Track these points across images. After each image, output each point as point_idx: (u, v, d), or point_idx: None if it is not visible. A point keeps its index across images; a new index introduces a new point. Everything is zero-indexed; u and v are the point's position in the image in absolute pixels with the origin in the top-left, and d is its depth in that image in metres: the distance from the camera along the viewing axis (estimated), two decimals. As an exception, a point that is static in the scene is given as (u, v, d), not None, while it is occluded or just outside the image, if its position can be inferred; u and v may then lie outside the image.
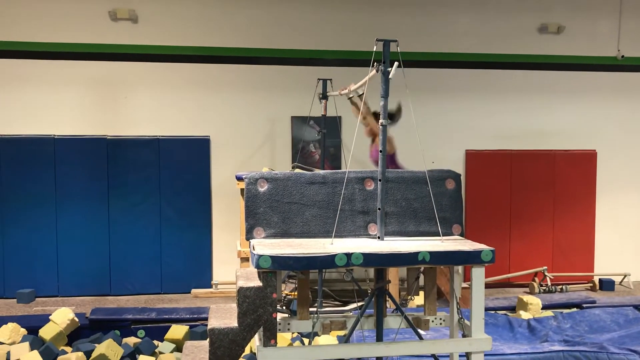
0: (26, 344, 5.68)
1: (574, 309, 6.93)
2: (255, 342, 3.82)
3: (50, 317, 6.11)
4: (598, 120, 8.64)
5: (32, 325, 6.16)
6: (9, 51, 7.62)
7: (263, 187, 3.87)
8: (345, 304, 7.06)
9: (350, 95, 5.83)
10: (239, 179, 6.63)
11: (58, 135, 7.73)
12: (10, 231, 7.63)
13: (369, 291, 4.20)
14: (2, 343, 5.80)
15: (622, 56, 8.47)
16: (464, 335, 3.75)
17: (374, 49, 3.97)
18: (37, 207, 7.65)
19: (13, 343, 5.83)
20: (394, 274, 6.57)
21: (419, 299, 6.76)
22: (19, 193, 7.62)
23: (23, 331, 6.04)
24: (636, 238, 8.78)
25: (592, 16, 8.52)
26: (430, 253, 3.46)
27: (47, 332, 5.96)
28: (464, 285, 4.29)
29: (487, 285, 7.91)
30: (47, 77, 7.76)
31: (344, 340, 4.05)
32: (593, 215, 8.62)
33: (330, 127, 7.67)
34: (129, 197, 7.85)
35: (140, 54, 7.86)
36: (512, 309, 7.00)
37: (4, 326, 5.94)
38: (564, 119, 8.57)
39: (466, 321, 3.75)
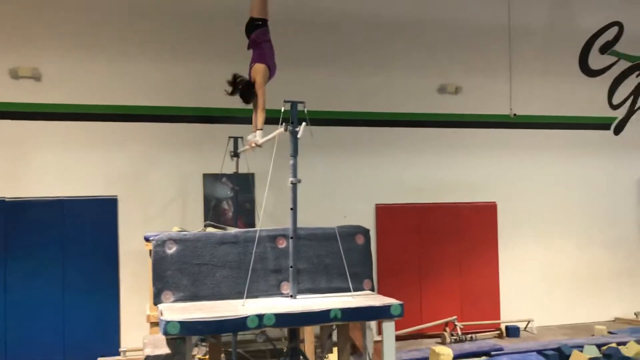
0: None
1: (484, 358, 7.13)
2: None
3: None
4: (496, 174, 9.17)
5: None
6: None
7: (171, 249, 3.80)
8: (261, 364, 6.90)
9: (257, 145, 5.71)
10: (147, 239, 6.42)
11: (-51, 198, 7.23)
12: None
13: (284, 350, 4.16)
14: None
15: (514, 114, 9.13)
16: (377, 390, 3.77)
17: (282, 109, 4.08)
18: None
19: None
20: (309, 331, 6.52)
21: (333, 356, 6.74)
22: None
23: None
24: (537, 284, 9.25)
25: (486, 78, 9.17)
26: (342, 310, 3.50)
27: None
28: (377, 338, 4.34)
29: (400, 337, 8.01)
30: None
31: (258, 403, 3.96)
32: (496, 264, 9.02)
33: (243, 183, 7.68)
34: (29, 262, 7.39)
35: (44, 112, 7.59)
36: (426, 360, 7.11)
37: None
38: (466, 172, 9.04)
39: (379, 376, 3.78)
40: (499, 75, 9.20)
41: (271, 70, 5.76)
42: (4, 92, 7.48)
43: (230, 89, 5.78)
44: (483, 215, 9.00)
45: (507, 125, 9.21)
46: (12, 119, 7.49)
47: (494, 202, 9.10)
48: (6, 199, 7.40)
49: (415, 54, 8.90)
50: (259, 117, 5.48)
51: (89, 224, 7.65)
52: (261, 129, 5.32)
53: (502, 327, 8.68)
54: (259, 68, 5.58)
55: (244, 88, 5.71)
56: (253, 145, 5.46)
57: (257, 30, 5.83)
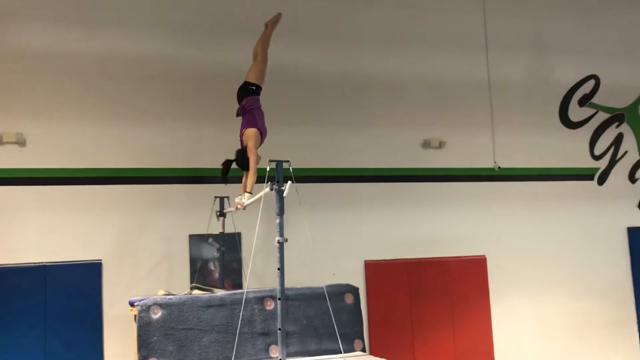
0: None
1: (481, 416, 6.93)
2: None
3: None
4: (484, 227, 9.16)
5: None
6: None
7: (157, 314, 3.70)
8: None
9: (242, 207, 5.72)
10: (132, 304, 6.28)
11: None
12: None
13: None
14: None
15: (499, 167, 9.22)
16: None
17: (267, 168, 4.09)
18: None
19: None
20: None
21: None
22: None
23: None
24: (531, 337, 9.10)
25: (469, 132, 9.29)
26: (333, 373, 3.40)
27: None
28: (370, 402, 4.19)
29: (396, 399, 7.78)
30: None
31: None
32: (489, 318, 8.89)
33: (230, 244, 7.59)
34: (9, 330, 7.15)
35: (28, 177, 7.53)
36: (422, 422, 6.88)
37: None
38: (453, 226, 9.02)
39: None
40: (482, 129, 9.33)
41: (262, 134, 5.85)
42: (-12, 158, 7.43)
43: (222, 173, 5.87)
44: (473, 269, 8.93)
45: (492, 178, 9.28)
46: (-4, 184, 7.43)
47: (484, 256, 9.06)
48: (-13, 267, 7.24)
49: (399, 111, 9.03)
50: (249, 180, 5.50)
51: (72, 290, 7.46)
52: (250, 192, 5.32)
53: (498, 383, 8.46)
54: (251, 132, 5.67)
55: (239, 158, 5.80)
56: (238, 207, 5.46)
57: (249, 96, 5.94)
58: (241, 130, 5.96)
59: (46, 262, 7.42)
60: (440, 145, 9.09)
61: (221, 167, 6.00)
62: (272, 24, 6.52)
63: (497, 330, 8.91)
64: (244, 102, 6.02)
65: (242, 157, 5.82)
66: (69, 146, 7.70)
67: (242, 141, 5.90)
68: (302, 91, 8.71)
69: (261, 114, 5.98)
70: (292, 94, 8.65)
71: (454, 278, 8.81)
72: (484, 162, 9.25)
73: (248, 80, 6.11)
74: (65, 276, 7.46)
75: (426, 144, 9.06)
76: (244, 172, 5.97)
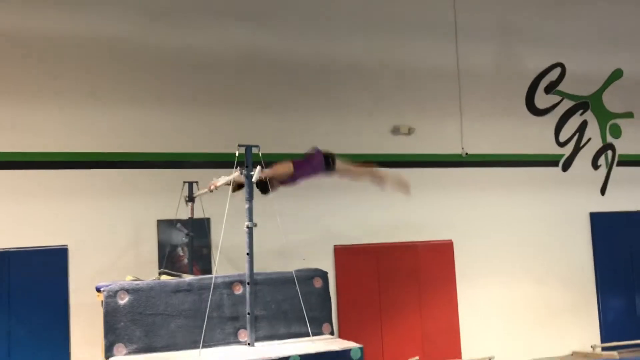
0: None
1: (447, 397, 7.07)
2: None
3: None
4: (451, 212, 9.29)
5: None
6: None
7: (124, 300, 3.67)
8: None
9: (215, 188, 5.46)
10: (99, 290, 6.20)
11: None
12: None
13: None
14: None
15: (466, 153, 9.33)
16: None
17: (237, 153, 4.07)
18: None
19: None
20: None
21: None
22: None
23: None
24: (497, 320, 9.29)
25: (438, 118, 9.38)
26: (301, 356, 3.43)
27: None
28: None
29: (364, 381, 7.87)
30: None
31: None
32: (455, 302, 9.05)
33: (199, 229, 7.54)
34: (-29, 318, 7.02)
35: (-5, 161, 7.35)
36: (389, 404, 7.00)
37: None
38: (421, 211, 9.12)
39: (342, 423, 3.68)
40: (451, 116, 9.43)
41: (293, 179, 5.45)
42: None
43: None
44: (440, 254, 9.07)
45: (460, 164, 9.40)
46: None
47: (450, 240, 9.20)
48: (-52, 253, 7.06)
49: (368, 97, 9.06)
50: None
51: (37, 276, 7.34)
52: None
53: (464, 365, 8.65)
54: (286, 166, 5.26)
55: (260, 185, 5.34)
56: (212, 188, 5.31)
57: (322, 160, 5.64)
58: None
59: (9, 248, 7.27)
60: (410, 131, 9.16)
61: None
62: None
63: (463, 313, 9.08)
64: (315, 154, 5.72)
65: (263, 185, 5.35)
66: (35, 129, 7.52)
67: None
68: (271, 76, 8.66)
69: (310, 173, 5.65)
70: (261, 79, 8.59)
71: (422, 262, 8.93)
72: (452, 148, 9.36)
73: (335, 159, 5.80)
74: (30, 262, 7.32)
75: (395, 130, 9.12)
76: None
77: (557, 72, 10.14)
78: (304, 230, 8.43)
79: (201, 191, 6.55)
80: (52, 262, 7.42)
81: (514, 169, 9.73)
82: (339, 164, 5.74)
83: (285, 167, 5.20)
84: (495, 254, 9.39)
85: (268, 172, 4.91)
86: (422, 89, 9.33)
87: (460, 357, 8.90)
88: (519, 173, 9.76)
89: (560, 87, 10.17)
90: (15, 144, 7.46)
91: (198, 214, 7.20)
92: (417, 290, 8.84)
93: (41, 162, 7.52)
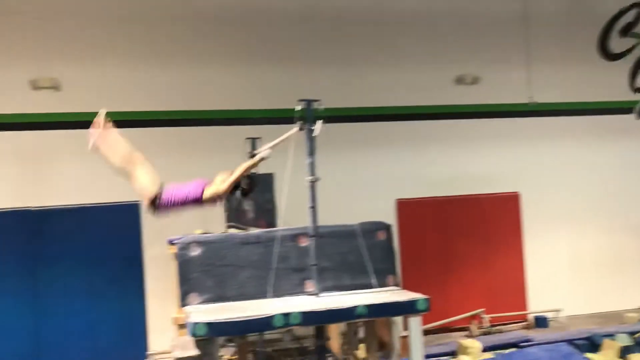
0: None
1: (513, 349, 7.05)
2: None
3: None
4: (518, 164, 9.06)
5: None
6: None
7: (195, 252, 3.83)
8: (289, 363, 6.91)
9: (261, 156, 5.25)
10: (171, 243, 6.48)
11: (-23, 210, 7.36)
12: None
13: (311, 348, 4.16)
14: None
15: (534, 102, 9.00)
16: (406, 386, 3.75)
17: (297, 109, 4.08)
18: (-46, 288, 7.18)
19: None
20: (335, 329, 6.52)
21: (361, 352, 6.73)
22: None
23: None
24: (565, 274, 9.12)
25: (504, 66, 9.06)
26: (367, 306, 3.49)
27: None
28: (404, 333, 4.31)
29: (427, 332, 7.93)
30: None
31: (287, 402, 3.97)
32: (522, 255, 8.92)
33: (263, 184, 7.67)
34: (57, 270, 7.49)
35: (64, 121, 7.68)
36: (453, 354, 7.05)
37: None
38: (486, 164, 8.94)
39: (407, 371, 3.76)
40: (517, 63, 9.08)
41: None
42: (26, 104, 7.59)
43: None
44: (506, 206, 8.90)
45: (527, 113, 9.09)
46: (34, 129, 7.61)
47: (517, 192, 9.00)
48: (32, 209, 7.52)
49: (430, 46, 8.83)
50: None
51: (113, 230, 7.73)
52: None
53: (530, 318, 8.57)
54: (216, 180, 4.84)
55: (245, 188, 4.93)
56: (257, 159, 4.99)
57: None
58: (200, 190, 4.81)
59: (87, 204, 7.66)
60: (474, 81, 8.91)
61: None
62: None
63: (529, 265, 8.96)
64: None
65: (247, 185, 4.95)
66: (103, 89, 7.78)
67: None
68: (330, 29, 8.56)
69: (185, 202, 4.71)
70: (320, 33, 8.51)
71: (487, 215, 8.80)
72: (519, 97, 9.04)
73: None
74: (106, 217, 7.71)
75: (460, 80, 8.88)
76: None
77: (634, 13, 9.51)
78: (365, 185, 8.45)
79: (252, 160, 6.50)
80: (127, 217, 7.78)
81: (584, 117, 9.34)
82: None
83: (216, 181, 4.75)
84: (563, 205, 9.14)
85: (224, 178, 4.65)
86: (487, 36, 9.00)
87: (526, 310, 8.82)
88: (589, 121, 9.36)
89: (638, 30, 9.56)
90: (86, 104, 7.75)
91: (262, 170, 7.32)
92: (482, 243, 8.75)
93: (113, 121, 7.79)
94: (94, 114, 7.75)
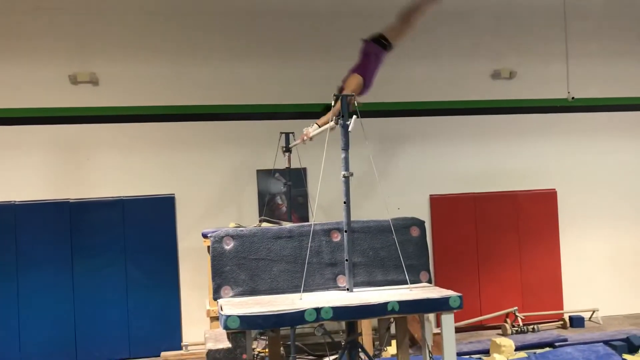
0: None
1: (547, 349, 6.95)
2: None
3: (12, 392, 5.84)
4: (555, 160, 8.89)
5: (-7, 402, 5.88)
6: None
7: (229, 245, 3.86)
8: (320, 358, 6.95)
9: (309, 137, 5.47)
10: (205, 236, 6.56)
11: (19, 202, 7.57)
12: (-31, 303, 7.35)
13: (342, 343, 4.16)
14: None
15: (572, 98, 8.80)
16: (438, 384, 3.72)
17: (333, 104, 4.08)
18: (-3, 277, 7.41)
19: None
20: (366, 324, 6.52)
21: (392, 348, 6.71)
22: (-23, 263, 7.38)
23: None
24: (602, 273, 8.93)
25: (541, 61, 8.89)
26: (399, 302, 3.47)
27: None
28: (436, 330, 4.29)
29: (459, 329, 7.90)
30: (7, 142, 7.66)
31: (319, 396, 3.98)
32: (558, 253, 8.76)
33: (296, 178, 7.72)
34: (94, 260, 7.67)
35: (102, 115, 7.85)
36: (486, 352, 6.99)
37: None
38: (523, 160, 8.80)
39: (440, 369, 3.73)
40: (555, 58, 8.89)
41: (366, 86, 5.41)
42: (65, 98, 7.77)
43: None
44: (542, 203, 8.75)
45: (565, 109, 8.90)
46: (73, 123, 7.79)
47: (554, 189, 8.83)
48: (70, 200, 7.70)
49: (466, 40, 8.71)
50: (326, 116, 5.25)
51: (148, 222, 7.87)
52: (319, 126, 5.18)
53: (566, 317, 8.42)
54: (353, 81, 5.23)
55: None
56: (304, 138, 5.38)
57: (377, 46, 5.50)
58: (350, 71, 5.48)
59: (124, 197, 7.82)
60: (511, 75, 8.76)
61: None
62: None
63: (566, 264, 8.79)
64: (366, 46, 5.54)
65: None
66: (141, 84, 7.92)
67: (344, 80, 5.38)
68: (363, 22, 8.49)
69: (376, 66, 5.53)
70: (354, 26, 8.45)
71: (523, 212, 8.67)
72: (557, 92, 8.85)
73: (385, 35, 5.60)
74: (142, 209, 7.85)
75: (496, 75, 8.75)
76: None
77: (678, 5, 9.23)
78: (399, 180, 8.41)
79: (296, 142, 6.65)
80: (161, 210, 7.91)
81: (625, 113, 9.11)
82: (390, 33, 5.57)
83: (355, 80, 5.18)
84: (601, 203, 8.94)
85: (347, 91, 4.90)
86: (524, 29, 8.84)
87: (562, 309, 8.67)
88: (630, 117, 9.12)
89: (682, 22, 9.27)
90: (123, 98, 7.90)
91: (295, 164, 7.36)
92: (517, 240, 8.62)
93: (149, 115, 7.93)
94: (131, 108, 7.96)
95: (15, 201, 7.57)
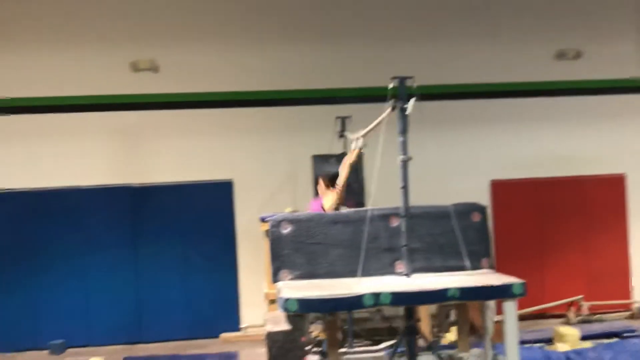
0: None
1: (614, 339, 6.68)
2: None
3: (81, 369, 6.10)
4: (624, 143, 8.49)
5: (64, 377, 6.15)
6: (34, 107, 7.81)
7: (287, 229, 3.87)
8: (377, 343, 6.92)
9: (358, 146, 5.56)
10: (263, 220, 6.61)
11: (84, 186, 7.85)
12: (41, 283, 7.70)
13: (400, 329, 4.12)
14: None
15: (643, 77, 8.37)
16: (500, 372, 3.63)
17: (390, 87, 3.99)
18: (65, 259, 7.72)
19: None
20: (425, 311, 6.43)
21: (451, 335, 6.61)
22: (48, 245, 7.71)
23: (55, 384, 6.03)
24: (673, 261, 8.51)
25: (610, 40, 8.47)
26: (460, 289, 3.39)
27: (78, 384, 5.94)
28: (497, 318, 4.17)
29: (521, 317, 7.63)
30: (74, 129, 7.93)
31: (377, 381, 3.96)
32: (626, 240, 8.40)
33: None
34: (155, 244, 7.89)
35: (162, 102, 8.01)
36: (549, 341, 6.79)
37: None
38: (589, 143, 8.45)
39: (501, 357, 3.64)
40: (624, 36, 8.46)
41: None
42: (126, 85, 7.96)
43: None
44: (610, 188, 8.39)
45: (634, 90, 8.46)
46: (135, 109, 7.98)
47: (623, 174, 8.45)
48: (133, 185, 7.93)
49: (528, 18, 8.39)
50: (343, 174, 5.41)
51: (207, 207, 8.02)
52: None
53: (635, 307, 8.08)
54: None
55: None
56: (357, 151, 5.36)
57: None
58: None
59: (183, 182, 7.98)
60: (577, 55, 8.38)
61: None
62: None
63: (635, 252, 8.42)
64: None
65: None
66: (200, 70, 8.03)
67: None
68: (421, 4, 8.33)
69: None
70: (410, 8, 8.30)
71: (589, 197, 8.34)
72: (627, 72, 8.42)
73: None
74: (201, 194, 8.00)
75: (560, 55, 8.40)
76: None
77: None
78: (458, 165, 8.23)
79: (351, 135, 6.55)
80: (220, 195, 8.04)
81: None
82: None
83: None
84: (675, 188, 8.48)
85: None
86: (591, 7, 8.42)
87: (630, 299, 8.32)
88: None
89: None
90: (183, 85, 8.03)
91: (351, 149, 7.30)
92: (583, 226, 8.31)
93: (207, 101, 8.04)
94: (190, 95, 8.08)
95: (81, 186, 7.85)
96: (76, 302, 7.74)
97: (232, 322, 7.95)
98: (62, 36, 7.89)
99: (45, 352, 7.51)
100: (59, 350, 7.47)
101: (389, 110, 3.96)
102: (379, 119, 4.33)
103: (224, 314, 7.96)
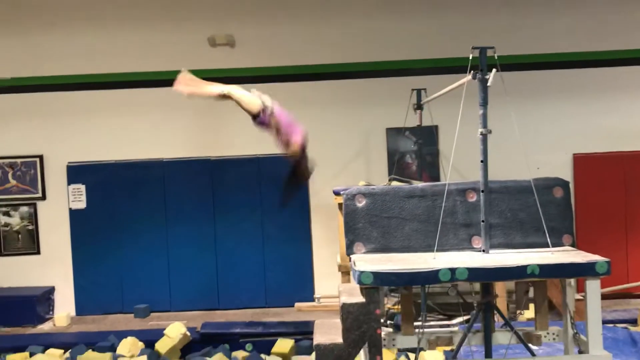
0: (144, 358, 6.00)
1: None
2: (360, 358, 3.81)
3: (164, 332, 6.43)
4: None
5: (148, 339, 6.51)
6: (119, 82, 8.15)
7: (361, 203, 3.88)
8: (450, 318, 6.88)
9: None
10: (337, 193, 6.67)
11: (167, 159, 8.16)
12: (126, 251, 8.13)
13: (475, 305, 4.07)
14: (123, 356, 6.16)
15: None
16: (580, 352, 3.55)
17: (470, 57, 3.88)
18: (149, 228, 8.11)
19: (132, 356, 6.18)
20: (501, 287, 6.32)
21: (529, 313, 6.48)
22: (133, 215, 8.11)
23: (141, 345, 6.40)
24: None
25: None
26: (540, 266, 3.31)
27: (162, 346, 6.27)
28: (578, 296, 4.05)
29: (603, 296, 7.32)
30: (158, 103, 8.21)
31: (452, 356, 3.95)
32: None
33: (427, 136, 7.57)
34: (233, 215, 8.13)
35: (238, 77, 8.13)
36: (633, 322, 6.52)
37: (124, 340, 6.33)
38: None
39: (582, 336, 3.55)
40: None
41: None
42: (205, 60, 8.14)
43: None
44: None
45: None
46: (212, 84, 8.15)
47: None
48: (211, 158, 8.17)
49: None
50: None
51: (281, 180, 8.12)
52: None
53: None
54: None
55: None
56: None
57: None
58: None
59: (259, 155, 8.13)
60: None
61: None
62: None
63: None
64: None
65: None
66: (275, 44, 8.10)
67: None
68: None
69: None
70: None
71: (679, 172, 7.85)
72: None
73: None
74: (275, 167, 8.09)
75: (655, 20, 7.87)
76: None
77: None
78: (540, 138, 7.94)
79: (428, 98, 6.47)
80: (294, 168, 8.12)
81: None
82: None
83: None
84: None
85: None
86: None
87: None
88: None
89: None
90: (259, 59, 8.13)
91: (426, 122, 7.19)
92: (673, 203, 7.86)
93: (283, 75, 8.11)
94: (267, 69, 8.17)
95: (164, 158, 8.17)
96: (159, 269, 8.14)
97: (306, 292, 8.12)
98: (145, 13, 8.15)
99: (131, 315, 7.98)
100: (143, 314, 7.91)
101: (467, 78, 3.86)
102: (457, 83, 4.23)
103: (298, 284, 8.14)
